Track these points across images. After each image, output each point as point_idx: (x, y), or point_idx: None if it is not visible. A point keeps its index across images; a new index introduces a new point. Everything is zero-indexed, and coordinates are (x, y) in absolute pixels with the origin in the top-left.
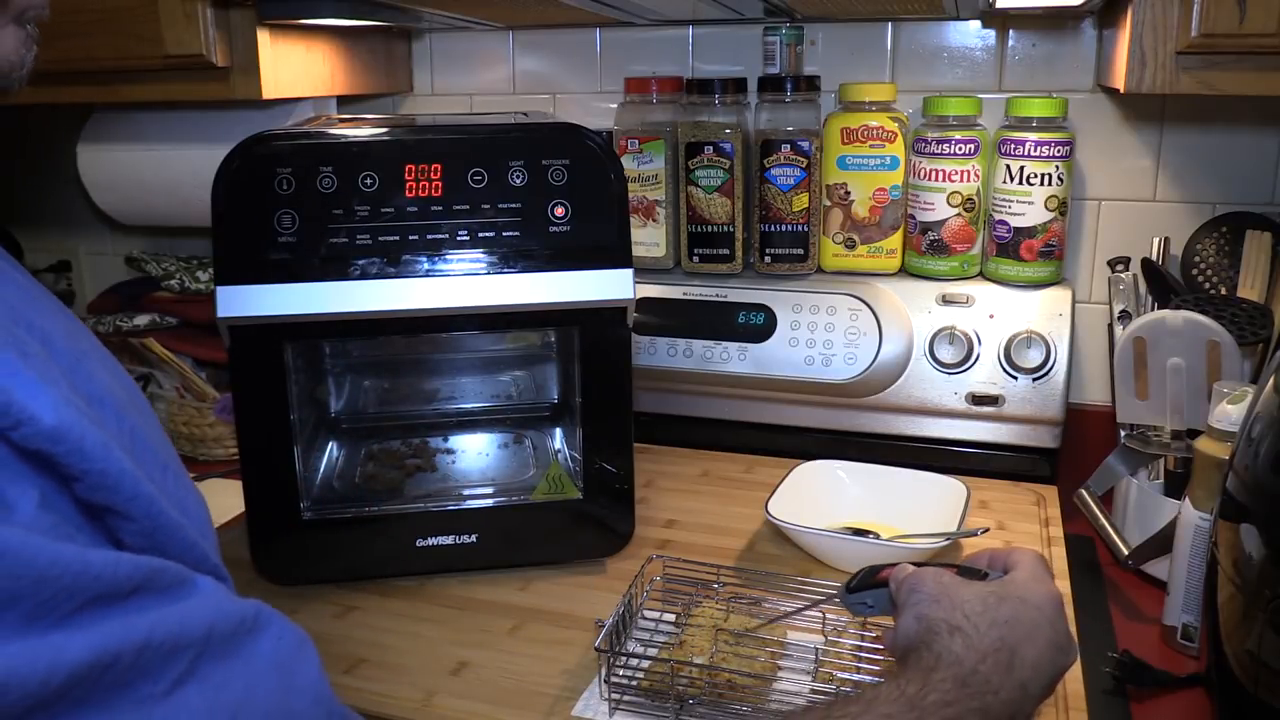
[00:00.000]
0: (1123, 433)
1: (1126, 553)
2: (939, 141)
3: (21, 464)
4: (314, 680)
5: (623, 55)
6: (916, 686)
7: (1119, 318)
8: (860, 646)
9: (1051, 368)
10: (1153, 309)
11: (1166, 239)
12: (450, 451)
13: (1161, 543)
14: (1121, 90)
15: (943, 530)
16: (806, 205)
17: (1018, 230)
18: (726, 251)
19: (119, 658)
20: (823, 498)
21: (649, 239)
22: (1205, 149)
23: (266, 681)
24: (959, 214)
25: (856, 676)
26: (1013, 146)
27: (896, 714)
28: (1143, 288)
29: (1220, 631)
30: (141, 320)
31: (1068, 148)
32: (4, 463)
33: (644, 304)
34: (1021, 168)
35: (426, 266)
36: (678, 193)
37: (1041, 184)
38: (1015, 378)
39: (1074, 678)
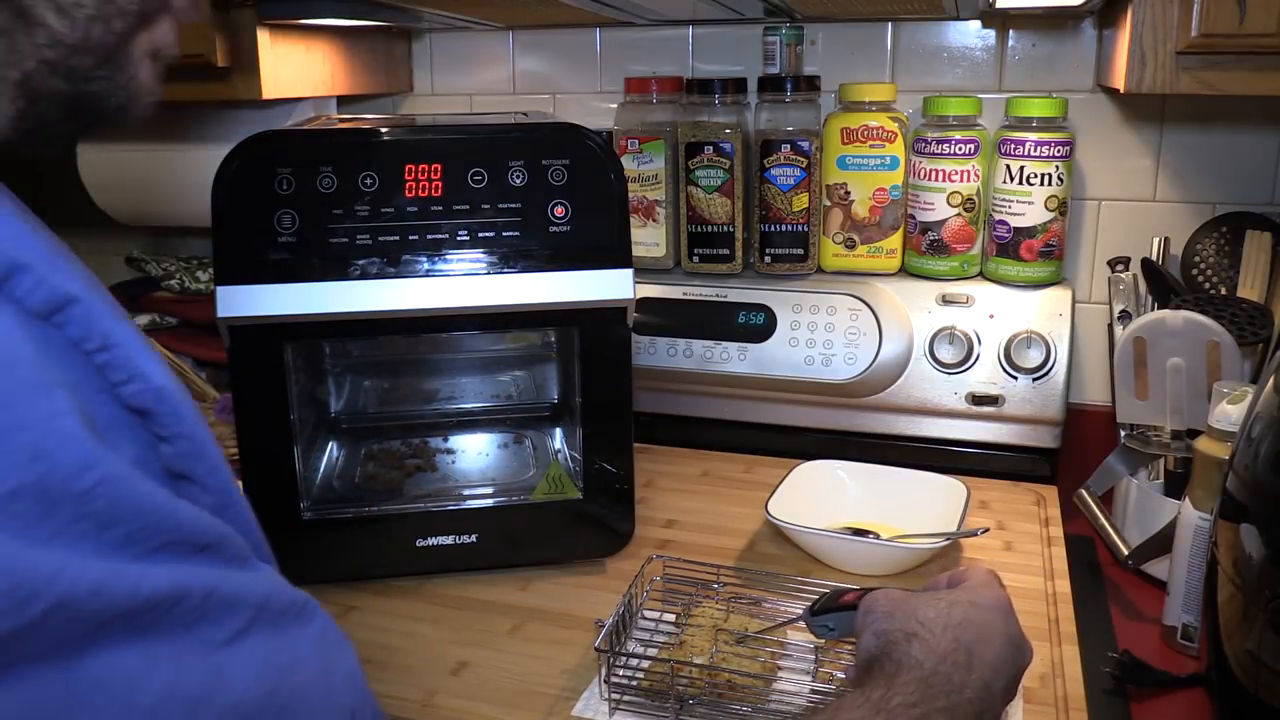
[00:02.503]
0: (1123, 433)
1: (1126, 553)
2: (939, 141)
3: (123, 424)
4: (352, 668)
5: (623, 55)
6: (881, 691)
7: (1119, 318)
8: None
9: (1051, 368)
10: (1153, 309)
11: (1166, 239)
12: (450, 451)
13: (1161, 543)
14: (1121, 90)
15: (943, 530)
16: (806, 205)
17: (1018, 230)
18: (726, 251)
19: (189, 595)
20: (823, 498)
21: (649, 239)
22: (1205, 149)
23: (310, 661)
24: (959, 214)
25: None
26: (1013, 146)
27: (863, 718)
28: (1143, 288)
29: (1220, 631)
30: (141, 320)
31: (1068, 148)
32: (114, 421)
33: (644, 304)
34: (1021, 168)
35: (426, 266)
36: (678, 193)
37: (1041, 184)
38: (1015, 378)
39: (1074, 678)
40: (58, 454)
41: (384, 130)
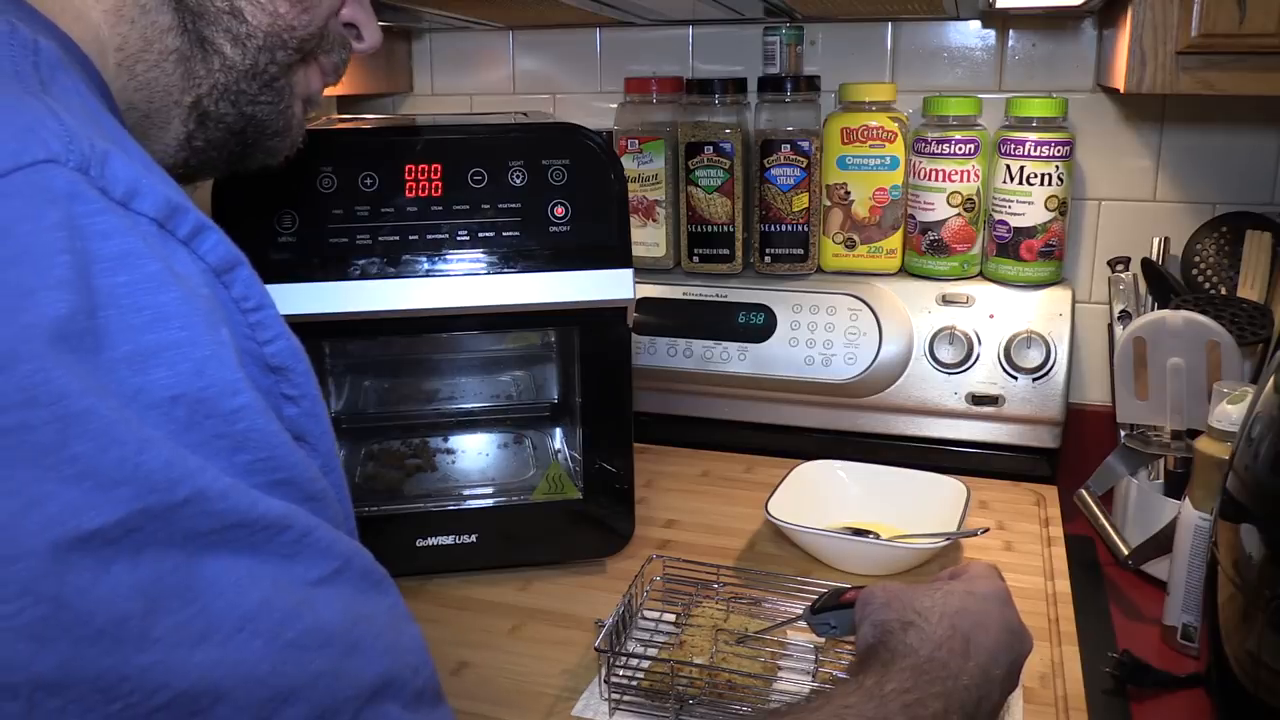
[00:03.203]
0: (1123, 433)
1: (1126, 553)
2: (939, 141)
3: (262, 382)
4: (417, 635)
5: (623, 55)
6: (875, 679)
7: (1119, 318)
8: None
9: (1051, 368)
10: (1153, 309)
11: (1166, 239)
12: (450, 451)
13: (1161, 543)
14: (1121, 90)
15: (943, 530)
16: (806, 205)
17: (1018, 230)
18: (726, 251)
19: (291, 528)
20: (823, 498)
21: (649, 239)
22: (1205, 149)
23: (383, 620)
24: (959, 214)
25: None
26: (1013, 146)
27: (856, 704)
28: (1143, 288)
29: (1220, 631)
30: None
31: (1068, 148)
32: (255, 376)
33: (644, 304)
34: (1021, 168)
35: (426, 266)
36: (678, 193)
37: (1041, 184)
38: (1015, 378)
39: (1074, 678)
40: (216, 374)
41: (384, 130)
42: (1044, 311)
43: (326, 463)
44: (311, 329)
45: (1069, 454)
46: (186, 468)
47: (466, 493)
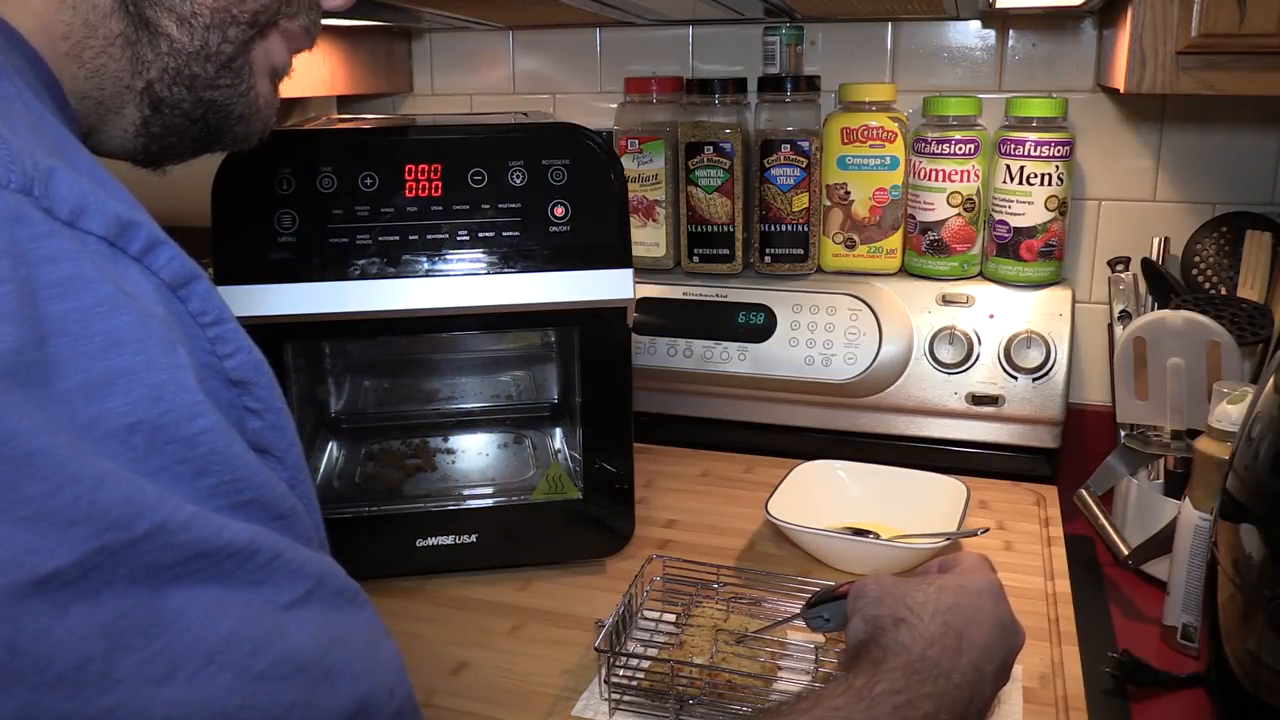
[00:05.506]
0: (1123, 433)
1: (1126, 553)
2: (939, 141)
3: (222, 396)
4: (394, 654)
5: (623, 55)
6: (865, 679)
7: (1119, 318)
8: None
9: (1051, 368)
10: (1153, 309)
11: (1166, 239)
12: (450, 451)
13: (1161, 543)
14: (1121, 90)
15: (943, 530)
16: (806, 205)
17: (1018, 230)
18: (726, 251)
19: (259, 553)
20: (823, 498)
21: (649, 239)
22: (1205, 149)
23: (358, 640)
24: (959, 214)
25: None
26: (1013, 146)
27: (845, 705)
28: (1143, 288)
29: (1220, 631)
30: None
31: (1068, 148)
32: (216, 392)
33: (644, 304)
34: (1021, 168)
35: (426, 266)
36: (678, 193)
37: (1041, 184)
38: (1015, 378)
39: (1074, 678)
40: (174, 399)
41: (384, 130)
42: (1044, 311)
43: (294, 475)
44: (311, 329)
45: (1069, 454)
46: (146, 500)
47: (466, 493)
